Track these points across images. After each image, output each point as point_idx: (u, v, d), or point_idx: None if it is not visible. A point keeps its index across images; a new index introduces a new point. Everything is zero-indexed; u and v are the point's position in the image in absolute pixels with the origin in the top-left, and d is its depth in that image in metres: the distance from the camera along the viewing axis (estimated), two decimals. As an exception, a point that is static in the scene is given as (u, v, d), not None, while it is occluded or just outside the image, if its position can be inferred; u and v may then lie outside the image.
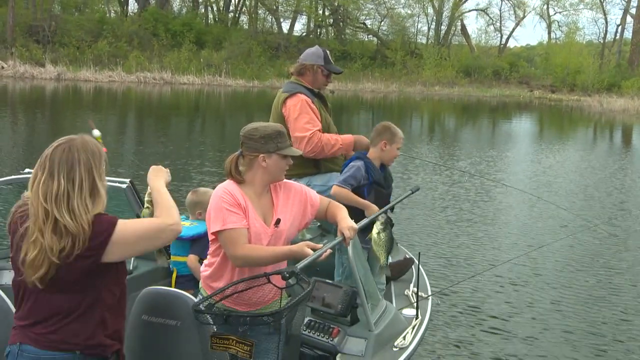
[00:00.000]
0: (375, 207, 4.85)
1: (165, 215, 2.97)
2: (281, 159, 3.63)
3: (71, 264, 2.72)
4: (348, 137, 5.61)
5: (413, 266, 5.58)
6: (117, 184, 4.70)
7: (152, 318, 3.43)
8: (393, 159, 5.22)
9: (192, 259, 5.03)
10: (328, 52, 5.79)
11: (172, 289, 3.51)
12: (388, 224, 4.57)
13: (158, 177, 3.34)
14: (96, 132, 4.96)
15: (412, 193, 5.03)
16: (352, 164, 5.05)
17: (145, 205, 3.60)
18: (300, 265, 3.32)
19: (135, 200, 5.26)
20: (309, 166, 5.53)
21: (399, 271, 5.59)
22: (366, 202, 4.92)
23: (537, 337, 6.67)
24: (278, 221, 3.63)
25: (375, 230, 4.51)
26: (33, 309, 2.83)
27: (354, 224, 3.70)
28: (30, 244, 2.73)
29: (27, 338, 2.82)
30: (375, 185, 5.03)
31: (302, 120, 5.43)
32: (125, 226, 2.81)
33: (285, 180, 3.82)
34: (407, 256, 5.71)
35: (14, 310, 2.97)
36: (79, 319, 2.81)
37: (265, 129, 3.61)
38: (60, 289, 2.78)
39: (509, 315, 7.23)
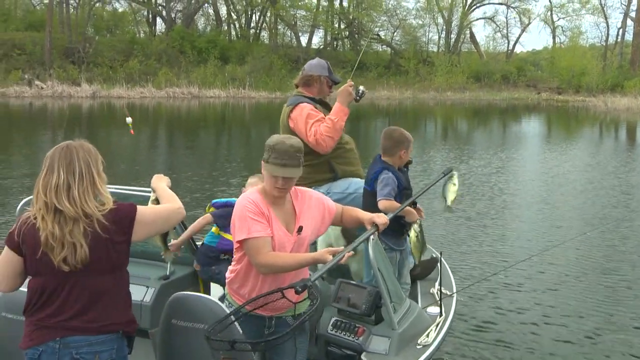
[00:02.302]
0: (415, 213, 4.83)
1: (172, 202, 3.31)
2: (268, 173, 3.49)
3: (110, 246, 2.95)
4: (335, 107, 5.39)
5: (439, 264, 5.47)
6: (145, 194, 4.64)
7: (180, 322, 3.41)
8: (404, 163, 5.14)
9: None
10: (328, 63, 5.72)
11: (199, 294, 3.47)
12: (422, 228, 4.77)
13: (160, 180, 3.61)
14: (129, 120, 5.09)
15: (445, 176, 4.94)
16: (384, 176, 4.88)
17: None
18: (314, 277, 3.26)
19: None
20: (325, 171, 5.40)
21: (425, 271, 5.49)
22: (407, 208, 4.81)
23: (566, 335, 6.38)
24: (300, 228, 3.58)
25: (413, 234, 4.72)
26: (78, 299, 2.95)
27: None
28: (42, 232, 2.89)
29: (71, 330, 2.93)
30: (405, 190, 4.95)
31: (307, 125, 5.27)
32: (144, 209, 3.11)
33: (304, 188, 3.77)
34: (434, 255, 5.59)
35: None
36: (117, 298, 3.04)
37: (271, 139, 3.53)
38: (106, 270, 2.98)
39: (534, 311, 6.99)
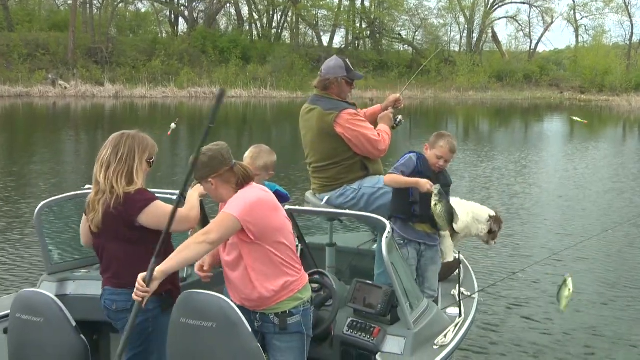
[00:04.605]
0: (424, 181, 4.69)
1: (188, 210, 3.73)
2: None
3: (120, 221, 3.60)
4: (383, 128, 5.55)
5: (462, 266, 5.40)
6: (168, 196, 4.64)
7: (189, 320, 3.39)
8: (434, 165, 4.93)
9: None
10: (347, 60, 5.63)
11: (207, 292, 3.43)
12: (442, 195, 4.63)
13: (195, 189, 3.96)
14: (173, 125, 5.26)
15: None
16: (406, 155, 4.95)
17: None
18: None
19: None
20: (358, 170, 5.39)
21: (446, 272, 5.42)
22: (413, 179, 4.75)
23: (588, 340, 6.27)
24: None
25: (432, 203, 4.59)
26: (107, 261, 3.76)
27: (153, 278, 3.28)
28: (88, 199, 3.75)
29: (107, 282, 3.77)
30: (419, 176, 4.78)
31: (366, 127, 5.33)
32: (160, 204, 3.65)
33: (242, 191, 3.58)
34: (456, 256, 5.50)
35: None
36: (138, 265, 3.39)
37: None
38: (121, 240, 3.64)
39: (556, 312, 6.88)
